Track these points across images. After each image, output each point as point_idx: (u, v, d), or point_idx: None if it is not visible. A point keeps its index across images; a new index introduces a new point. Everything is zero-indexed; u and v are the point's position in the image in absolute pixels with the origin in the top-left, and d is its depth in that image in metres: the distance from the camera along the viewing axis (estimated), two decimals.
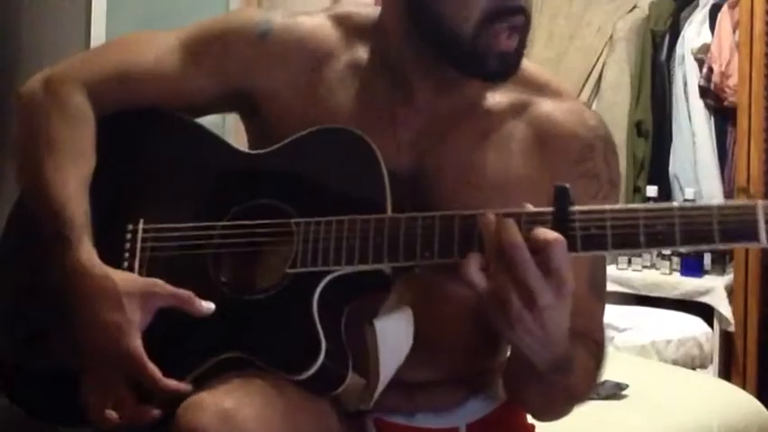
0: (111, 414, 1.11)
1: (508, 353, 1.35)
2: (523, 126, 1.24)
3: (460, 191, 1.12)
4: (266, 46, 1.26)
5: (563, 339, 1.06)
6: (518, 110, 1.25)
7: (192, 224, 1.20)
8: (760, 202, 1.00)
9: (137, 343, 1.11)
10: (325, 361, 1.09)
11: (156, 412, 1.11)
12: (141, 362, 1.10)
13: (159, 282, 1.15)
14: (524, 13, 1.17)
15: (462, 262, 1.02)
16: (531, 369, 1.10)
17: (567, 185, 1.04)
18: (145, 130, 1.29)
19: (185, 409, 1.05)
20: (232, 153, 1.25)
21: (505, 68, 1.19)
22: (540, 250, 1.00)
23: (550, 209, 1.04)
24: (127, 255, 1.22)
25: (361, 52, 1.26)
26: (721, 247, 1.03)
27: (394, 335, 1.16)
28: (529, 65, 1.26)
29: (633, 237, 1.02)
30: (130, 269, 1.21)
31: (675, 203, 1.04)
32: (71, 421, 1.20)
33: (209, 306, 1.15)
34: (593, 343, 1.21)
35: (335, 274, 1.12)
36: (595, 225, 1.03)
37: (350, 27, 1.28)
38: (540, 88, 1.26)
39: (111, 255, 1.19)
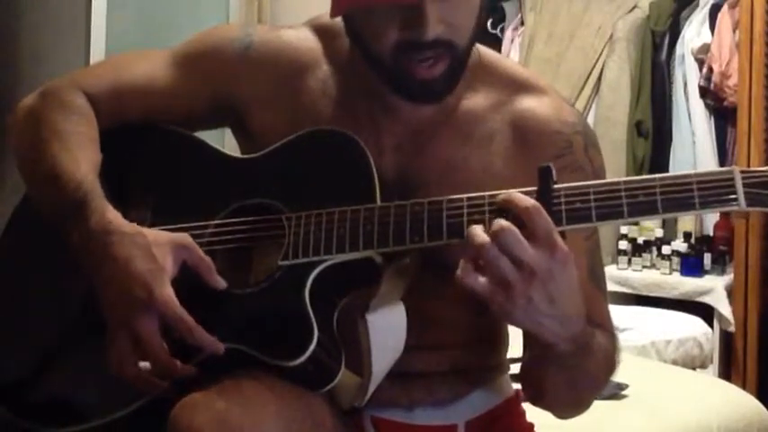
0: (145, 365, 1.11)
1: (507, 351, 1.37)
2: (503, 124, 1.25)
3: (444, 193, 1.13)
4: (249, 59, 1.29)
5: (577, 315, 1.08)
6: (498, 108, 1.26)
7: (185, 224, 1.21)
8: (736, 168, 1.04)
9: (169, 290, 1.11)
10: (318, 349, 1.09)
11: (188, 367, 1.11)
12: (174, 306, 1.10)
13: (189, 237, 1.16)
14: (442, 44, 1.16)
15: (457, 273, 1.03)
16: (553, 358, 1.11)
17: (551, 164, 1.07)
18: (136, 141, 1.31)
19: (179, 410, 1.05)
20: (224, 158, 1.28)
21: (430, 95, 1.20)
22: (522, 220, 1.02)
23: (535, 188, 1.06)
24: None
25: (342, 61, 1.29)
26: (702, 212, 1.08)
27: (386, 329, 1.16)
28: (507, 62, 1.27)
29: (617, 207, 1.06)
30: None
31: (656, 175, 1.07)
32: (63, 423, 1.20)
33: (223, 281, 1.15)
34: (604, 329, 1.22)
35: (327, 263, 1.13)
36: (579, 199, 1.06)
37: (331, 37, 1.30)
38: (520, 85, 1.27)
39: None
